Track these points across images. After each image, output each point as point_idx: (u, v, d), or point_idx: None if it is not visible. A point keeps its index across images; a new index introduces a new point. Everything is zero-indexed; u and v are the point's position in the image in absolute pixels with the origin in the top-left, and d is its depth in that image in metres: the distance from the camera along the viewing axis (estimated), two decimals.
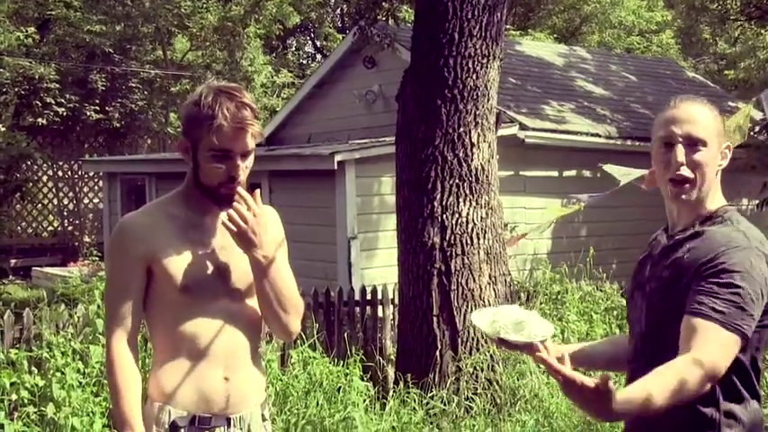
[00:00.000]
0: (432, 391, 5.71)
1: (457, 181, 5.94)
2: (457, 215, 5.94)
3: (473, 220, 5.98)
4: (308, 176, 9.48)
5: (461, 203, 5.95)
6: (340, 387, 5.49)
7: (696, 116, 2.16)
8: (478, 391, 5.78)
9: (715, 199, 2.20)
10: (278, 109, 17.11)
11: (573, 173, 10.75)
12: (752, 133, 9.70)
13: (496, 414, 5.70)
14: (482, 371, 5.83)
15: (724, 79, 22.04)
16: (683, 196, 2.15)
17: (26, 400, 4.82)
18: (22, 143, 15.37)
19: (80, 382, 4.91)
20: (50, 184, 17.23)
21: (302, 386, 5.45)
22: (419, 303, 5.98)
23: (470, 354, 5.85)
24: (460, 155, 5.95)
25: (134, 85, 17.80)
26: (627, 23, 22.49)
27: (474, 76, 5.96)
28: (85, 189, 17.48)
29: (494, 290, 6.02)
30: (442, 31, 5.94)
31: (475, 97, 5.97)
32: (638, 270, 2.31)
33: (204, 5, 18.36)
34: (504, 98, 10.16)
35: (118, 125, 17.42)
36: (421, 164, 5.99)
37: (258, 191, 2.39)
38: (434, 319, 5.90)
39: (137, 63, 18.31)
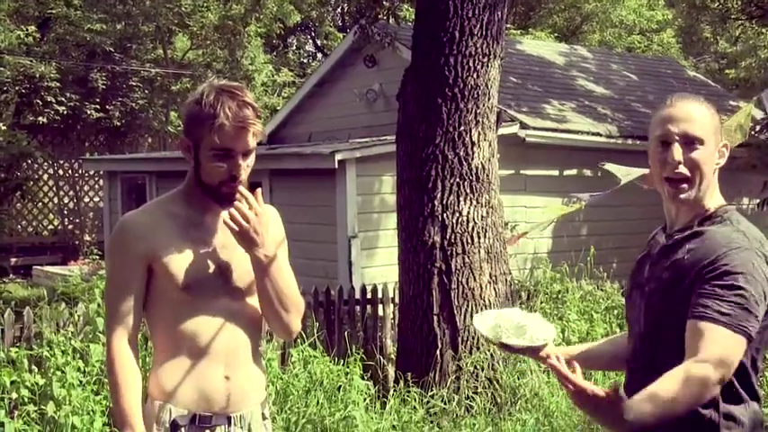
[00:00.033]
0: (432, 390, 5.71)
1: (457, 180, 5.94)
2: (457, 214, 5.94)
3: (473, 219, 5.97)
4: (308, 175, 9.48)
5: (462, 202, 5.95)
6: (340, 386, 5.49)
7: (693, 114, 2.14)
8: (479, 390, 5.78)
9: (713, 198, 2.18)
10: (278, 108, 17.10)
11: (573, 172, 10.75)
12: (752, 132, 9.70)
13: (497, 413, 5.70)
14: (482, 370, 5.83)
15: (725, 78, 22.03)
16: (682, 196, 2.14)
17: (26, 399, 4.81)
18: (23, 142, 15.37)
19: (80, 381, 4.91)
20: (51, 183, 17.23)
21: (302, 385, 5.45)
22: (419, 302, 5.98)
23: (471, 353, 5.85)
24: (461, 154, 5.95)
25: (134, 83, 17.79)
26: (627, 22, 22.47)
27: (475, 75, 5.95)
28: (86, 188, 17.48)
29: (494, 289, 6.02)
30: (443, 30, 5.94)
31: (475, 96, 5.97)
32: (636, 270, 2.29)
33: (205, 4, 18.36)
34: (505, 97, 10.16)
35: (118, 124, 17.41)
36: (421, 163, 5.99)
37: (259, 190, 2.39)
38: (435, 318, 5.90)
39: (137, 62, 18.31)
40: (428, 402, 5.61)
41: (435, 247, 5.93)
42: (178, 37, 20.09)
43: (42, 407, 4.76)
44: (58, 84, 16.03)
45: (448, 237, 5.92)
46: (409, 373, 5.82)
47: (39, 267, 14.68)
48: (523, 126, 10.06)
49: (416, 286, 6.01)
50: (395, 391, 5.77)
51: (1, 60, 15.77)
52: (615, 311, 7.36)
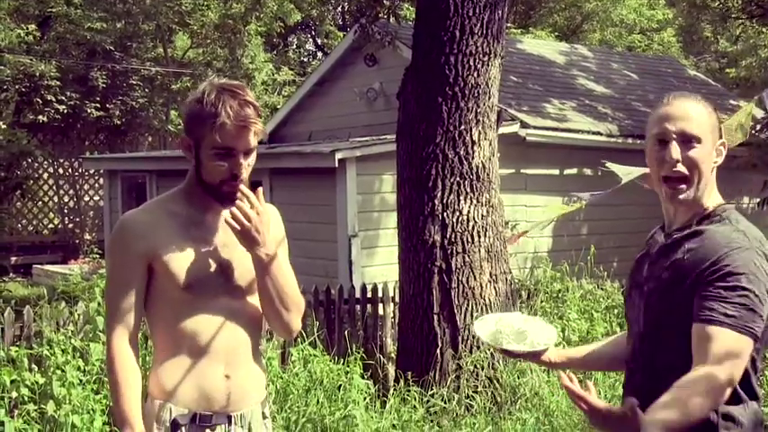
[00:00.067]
0: (432, 389, 5.71)
1: (458, 179, 5.94)
2: (458, 213, 5.94)
3: (474, 218, 5.97)
4: (308, 174, 9.48)
5: (462, 201, 5.94)
6: (340, 385, 5.49)
7: (690, 113, 2.12)
8: (479, 390, 5.78)
9: (712, 196, 2.17)
10: (279, 107, 17.10)
11: (574, 171, 10.74)
12: (753, 131, 9.70)
13: (497, 412, 5.70)
14: (482, 369, 5.83)
15: (725, 77, 22.02)
16: (680, 197, 2.12)
17: (26, 398, 4.81)
18: (23, 140, 15.35)
19: (80, 380, 4.91)
20: (51, 182, 17.22)
21: (303, 384, 5.45)
22: (420, 301, 5.98)
23: (471, 352, 5.85)
24: (461, 153, 5.95)
25: (135, 82, 17.79)
26: (628, 22, 22.47)
27: (475, 74, 5.95)
28: (86, 186, 17.47)
29: (494, 288, 6.01)
30: (444, 29, 5.93)
31: (476, 95, 5.97)
32: (635, 269, 2.28)
33: (205, 3, 18.35)
34: (506, 96, 10.15)
35: (118, 122, 17.41)
36: (422, 162, 5.99)
37: (260, 188, 2.39)
38: (435, 317, 5.90)
39: (137, 60, 18.30)
40: (428, 401, 5.61)
41: (435, 245, 5.92)
42: (178, 36, 20.08)
43: (42, 406, 4.76)
44: (58, 82, 16.03)
45: (448, 236, 5.92)
46: (409, 372, 5.82)
47: (39, 266, 14.67)
48: (524, 125, 10.06)
49: (417, 285, 6.01)
50: (395, 390, 5.77)
51: (1, 59, 15.77)
52: (615, 310, 7.35)
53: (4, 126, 15.80)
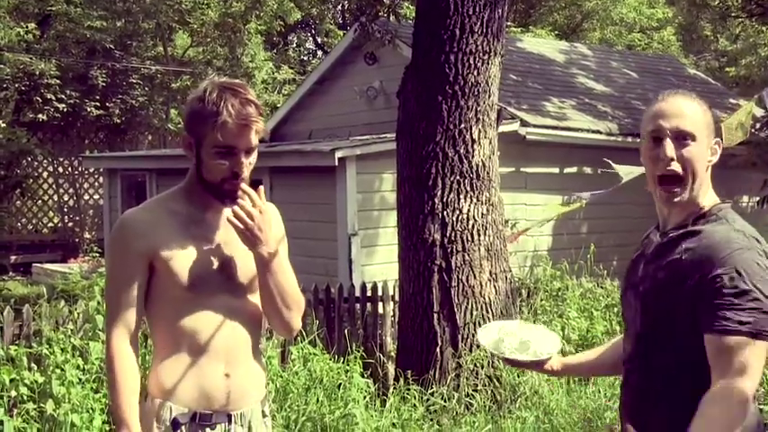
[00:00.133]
0: (432, 388, 5.71)
1: (458, 177, 5.94)
2: (457, 212, 5.93)
3: (474, 217, 5.97)
4: (308, 173, 9.48)
5: (462, 200, 5.94)
6: (340, 384, 5.49)
7: (684, 110, 2.10)
8: (479, 388, 5.78)
9: (707, 196, 2.14)
10: (279, 105, 17.09)
11: (574, 170, 10.74)
12: (753, 130, 9.69)
13: (497, 411, 5.70)
14: (482, 368, 5.83)
15: (725, 76, 22.02)
16: (675, 199, 2.10)
17: (25, 397, 4.80)
18: (23, 139, 15.36)
19: (80, 379, 4.90)
20: (51, 181, 17.22)
21: (302, 383, 5.44)
22: (419, 300, 5.98)
23: (470, 350, 5.84)
24: (461, 151, 5.94)
25: (135, 81, 17.79)
26: (628, 20, 22.47)
27: (475, 73, 5.95)
28: (86, 185, 17.47)
29: (494, 287, 6.01)
30: (443, 28, 5.93)
31: (476, 94, 5.96)
32: (630, 269, 2.26)
33: (205, 1, 18.33)
34: (505, 95, 10.15)
35: (118, 121, 17.41)
36: (422, 160, 5.98)
37: (261, 187, 2.39)
38: (435, 315, 5.90)
39: (137, 59, 18.29)
40: (428, 400, 5.61)
41: (435, 244, 5.92)
42: (178, 34, 20.08)
43: (41, 405, 4.75)
44: (57, 81, 16.03)
45: (448, 234, 5.91)
46: (409, 371, 5.81)
47: (38, 265, 14.66)
48: (524, 123, 10.06)
49: (416, 284, 6.00)
50: (395, 388, 5.76)
51: (1, 57, 15.76)
52: (615, 309, 7.35)
53: (3, 125, 15.80)
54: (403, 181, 6.20)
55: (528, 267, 9.57)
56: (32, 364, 5.01)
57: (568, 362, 2.52)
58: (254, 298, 2.44)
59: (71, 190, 17.30)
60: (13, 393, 4.79)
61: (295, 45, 27.42)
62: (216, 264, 2.37)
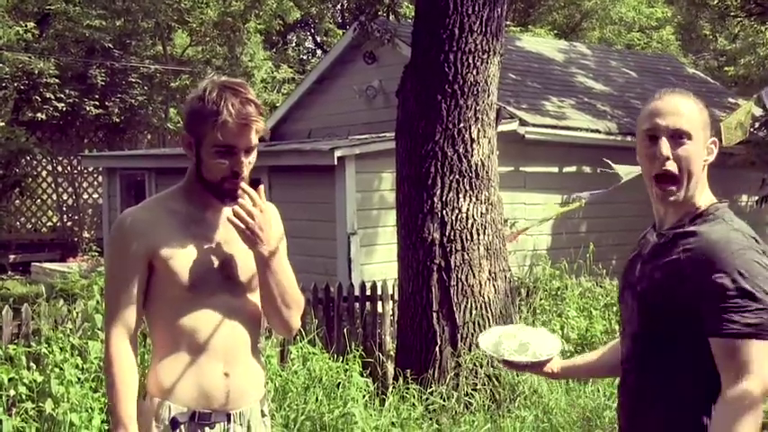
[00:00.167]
0: (431, 387, 5.70)
1: (457, 177, 5.93)
2: (457, 211, 5.93)
3: (473, 216, 5.97)
4: (307, 172, 9.47)
5: (461, 199, 5.94)
6: (339, 383, 5.48)
7: (681, 108, 2.09)
8: (478, 387, 5.78)
9: (703, 195, 2.13)
10: (278, 104, 17.09)
11: (573, 169, 10.74)
12: (752, 130, 9.70)
13: (496, 410, 5.69)
14: (481, 367, 5.83)
15: (724, 75, 22.02)
16: (671, 198, 2.09)
17: (24, 396, 4.80)
18: (22, 138, 15.35)
19: (79, 378, 4.90)
20: (50, 180, 17.21)
21: (302, 382, 5.44)
22: (419, 299, 5.98)
23: (470, 350, 5.84)
24: (460, 150, 5.94)
25: (134, 80, 17.78)
26: (627, 19, 22.48)
27: (474, 72, 5.94)
28: (85, 184, 17.47)
29: (493, 286, 6.01)
30: (443, 27, 5.93)
31: (475, 93, 5.96)
32: (627, 269, 2.24)
33: (204, 0, 18.33)
34: (505, 94, 10.15)
35: (117, 120, 17.40)
36: (421, 159, 5.98)
37: (262, 186, 2.38)
38: (434, 314, 5.89)
39: (136, 58, 18.29)
40: (427, 399, 5.61)
41: (435, 243, 5.92)
42: (177, 33, 20.07)
43: (40, 404, 4.75)
44: (56, 80, 16.02)
45: (447, 234, 5.91)
46: (408, 370, 5.81)
47: (37, 264, 14.66)
48: (523, 123, 10.05)
49: (416, 283, 6.00)
50: (394, 387, 5.76)
51: (0, 56, 15.74)
52: (614, 308, 7.35)
53: (2, 124, 15.78)
54: (402, 180, 6.20)
55: (527, 266, 9.57)
56: (31, 364, 5.00)
57: (568, 364, 2.51)
58: (254, 297, 2.44)
59: (70, 189, 17.30)
60: (12, 392, 4.78)
61: (294, 44, 27.41)
62: (216, 263, 2.37)
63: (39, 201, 17.11)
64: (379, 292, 6.98)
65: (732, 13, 17.00)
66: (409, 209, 6.08)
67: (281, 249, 2.45)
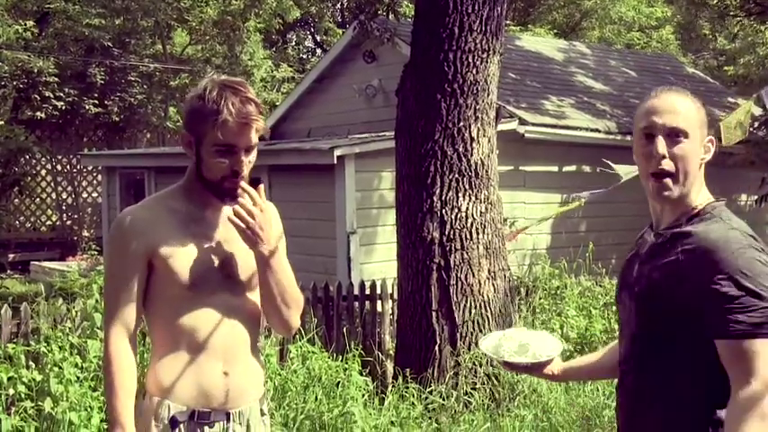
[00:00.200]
0: (430, 386, 5.70)
1: (456, 176, 5.93)
2: (456, 210, 5.93)
3: (472, 215, 5.96)
4: (307, 171, 9.47)
5: (461, 198, 5.94)
6: (339, 382, 5.48)
7: (677, 106, 2.07)
8: (477, 386, 5.78)
9: (700, 194, 2.11)
10: (278, 103, 17.08)
11: (572, 168, 10.74)
12: (751, 129, 9.70)
13: (495, 409, 5.69)
14: (481, 366, 5.83)
15: (723, 75, 22.03)
16: (665, 193, 2.06)
17: (23, 395, 4.80)
18: (21, 137, 15.35)
19: (78, 377, 4.89)
20: (49, 179, 17.21)
21: (301, 381, 5.44)
22: (418, 298, 5.97)
23: (469, 349, 5.84)
24: (460, 150, 5.94)
25: (133, 79, 17.77)
26: (627, 19, 22.46)
27: (474, 71, 5.94)
28: (84, 183, 17.46)
29: (493, 285, 6.01)
30: (442, 26, 5.92)
31: (475, 92, 5.96)
32: (625, 269, 2.23)
33: None
34: (504, 93, 10.15)
35: (117, 119, 17.39)
36: (420, 159, 5.98)
37: (262, 186, 2.38)
38: (433, 313, 5.89)
39: (136, 57, 18.27)
40: (426, 398, 5.61)
41: (434, 242, 5.92)
42: (177, 32, 20.06)
43: (39, 403, 4.74)
44: (56, 79, 16.00)
45: (447, 233, 5.91)
46: (408, 369, 5.81)
47: (36, 263, 14.66)
48: (522, 122, 10.05)
49: (415, 282, 6.00)
50: (393, 386, 5.76)
51: None
52: (614, 307, 7.35)
53: (1, 123, 15.79)
54: (402, 179, 6.19)
55: (527, 266, 9.56)
56: (30, 363, 5.00)
57: (568, 366, 2.49)
58: (253, 296, 2.44)
59: (69, 188, 17.30)
60: (11, 391, 4.78)
61: (294, 43, 27.40)
62: (216, 262, 2.37)
63: (38, 200, 17.10)
64: (378, 291, 6.98)
65: (731, 13, 17.01)
66: (409, 208, 6.07)
67: (281, 248, 2.45)
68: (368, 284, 7.08)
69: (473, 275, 5.93)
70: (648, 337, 2.08)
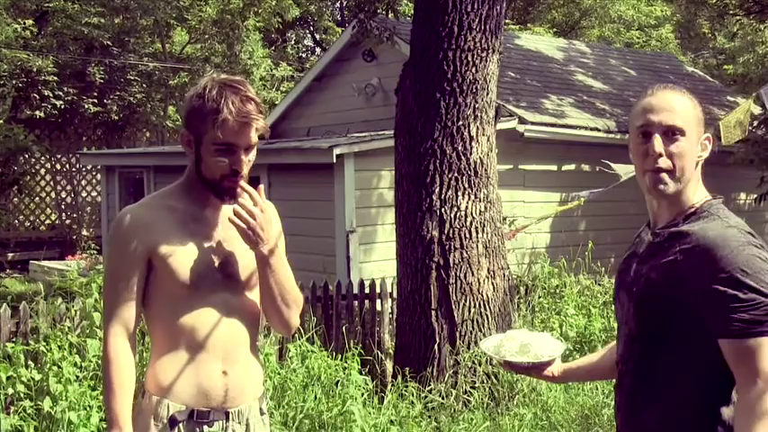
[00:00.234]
0: (430, 385, 5.71)
1: (456, 175, 5.93)
2: (455, 209, 5.93)
3: (472, 214, 5.96)
4: (306, 170, 9.46)
5: (460, 197, 5.94)
6: (338, 381, 5.48)
7: (674, 104, 2.06)
8: (476, 385, 5.78)
9: (697, 192, 2.10)
10: (277, 102, 17.08)
11: (572, 167, 10.74)
12: (750, 128, 9.71)
13: (494, 408, 5.70)
14: (480, 365, 5.83)
15: (723, 74, 22.03)
16: (661, 186, 2.05)
17: (22, 394, 4.80)
18: (20, 136, 15.33)
19: (77, 376, 4.89)
20: (48, 178, 17.20)
21: (300, 380, 5.44)
22: (417, 297, 5.97)
23: (468, 347, 5.84)
24: (459, 148, 5.94)
25: (132, 77, 17.76)
26: (626, 18, 22.46)
27: (473, 70, 5.94)
28: (83, 182, 17.45)
29: (492, 283, 6.01)
30: (442, 25, 5.92)
31: (474, 91, 5.95)
32: (622, 269, 2.22)
33: None
34: (504, 92, 10.14)
35: (116, 118, 17.38)
36: (420, 157, 5.98)
37: (262, 186, 2.38)
38: (433, 312, 5.89)
39: (135, 56, 18.26)
40: (426, 397, 5.61)
41: (433, 241, 5.91)
42: (176, 31, 20.05)
43: (38, 402, 4.74)
44: (55, 78, 16.00)
45: (446, 231, 5.91)
46: (407, 368, 5.81)
47: (36, 262, 14.65)
48: (522, 121, 10.05)
49: (414, 281, 6.00)
50: (393, 385, 5.76)
51: None
52: (613, 306, 7.35)
53: (0, 121, 15.77)
54: (401, 178, 6.19)
55: (526, 264, 9.56)
56: (29, 362, 5.00)
57: (568, 367, 2.48)
58: (253, 295, 2.43)
59: (69, 187, 17.29)
60: (10, 391, 4.78)
61: (293, 42, 27.39)
62: (215, 261, 2.37)
63: (37, 199, 17.10)
64: (377, 290, 6.98)
65: (731, 12, 17.00)
66: (408, 206, 6.07)
67: (280, 248, 2.45)
68: (367, 283, 7.08)
69: (472, 274, 5.93)
70: (647, 337, 2.07)
